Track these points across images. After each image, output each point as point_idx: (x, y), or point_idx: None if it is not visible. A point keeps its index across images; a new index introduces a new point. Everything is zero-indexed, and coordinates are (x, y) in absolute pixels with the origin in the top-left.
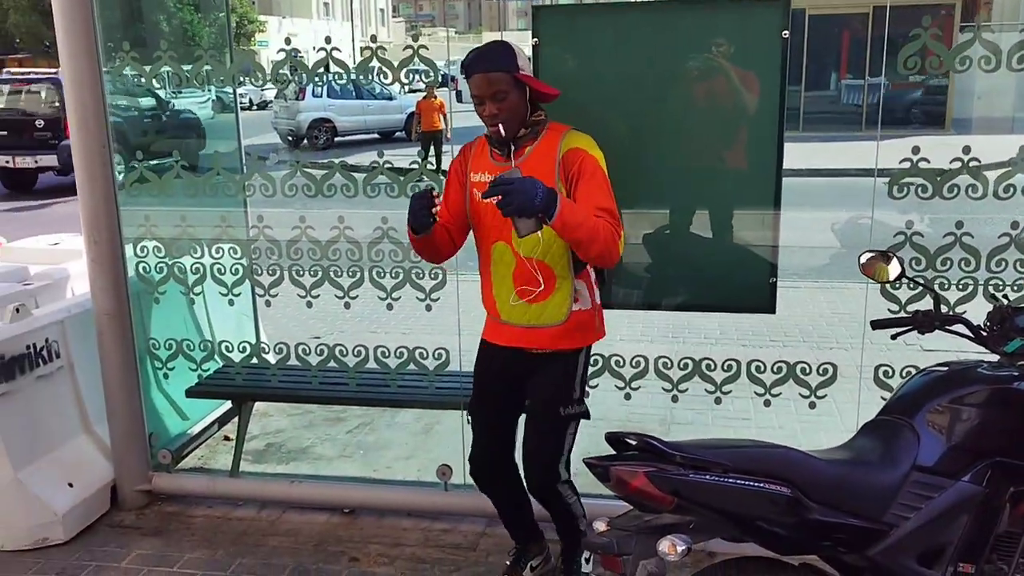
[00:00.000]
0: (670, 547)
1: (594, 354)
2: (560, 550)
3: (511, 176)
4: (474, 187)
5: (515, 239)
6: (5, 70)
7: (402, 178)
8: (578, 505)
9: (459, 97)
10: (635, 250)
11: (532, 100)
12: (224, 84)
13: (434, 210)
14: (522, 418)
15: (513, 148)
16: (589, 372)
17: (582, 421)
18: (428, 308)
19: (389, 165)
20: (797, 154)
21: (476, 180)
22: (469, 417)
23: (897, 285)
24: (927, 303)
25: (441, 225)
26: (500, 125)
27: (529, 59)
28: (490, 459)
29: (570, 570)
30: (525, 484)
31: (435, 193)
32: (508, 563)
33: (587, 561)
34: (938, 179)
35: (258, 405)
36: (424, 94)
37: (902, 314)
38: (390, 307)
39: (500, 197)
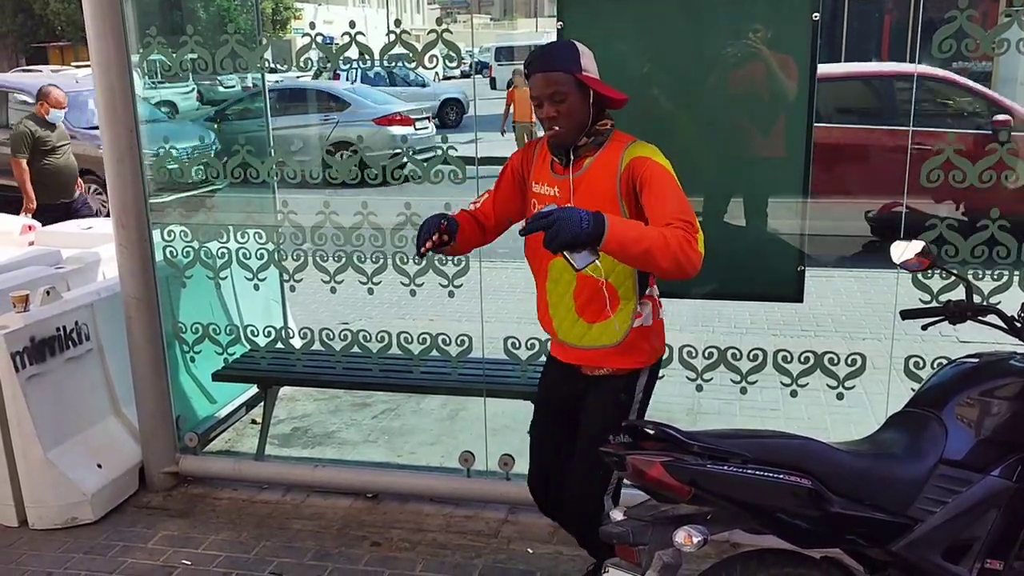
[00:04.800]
0: (686, 538)
1: None
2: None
3: (548, 210)
4: (534, 198)
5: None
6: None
7: (425, 163)
8: None
9: (492, 84)
10: None
11: (599, 106)
12: (250, 70)
13: (429, 244)
14: None
15: (572, 158)
16: None
17: None
18: (451, 295)
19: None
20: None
21: (538, 192)
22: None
23: (929, 274)
24: (959, 293)
25: (473, 218)
26: (557, 129)
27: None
28: (547, 484)
29: None
30: (565, 511)
31: (444, 225)
32: None
33: None
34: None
35: (285, 390)
36: (514, 83)
37: (934, 304)
38: (413, 293)
39: (543, 234)
